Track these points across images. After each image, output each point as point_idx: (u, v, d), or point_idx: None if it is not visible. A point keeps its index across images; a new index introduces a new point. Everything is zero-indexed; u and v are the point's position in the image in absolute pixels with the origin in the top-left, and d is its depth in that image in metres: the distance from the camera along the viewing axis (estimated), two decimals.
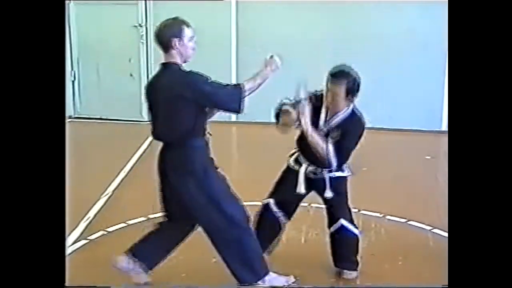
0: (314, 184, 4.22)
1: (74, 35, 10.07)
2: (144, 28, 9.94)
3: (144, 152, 8.03)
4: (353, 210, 5.52)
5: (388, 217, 5.55)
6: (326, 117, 4.11)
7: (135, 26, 9.96)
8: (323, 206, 5.71)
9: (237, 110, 3.71)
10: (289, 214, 4.38)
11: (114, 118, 10.22)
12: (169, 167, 3.80)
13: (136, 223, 5.31)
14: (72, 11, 10.00)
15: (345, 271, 4.33)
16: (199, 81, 3.65)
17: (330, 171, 4.13)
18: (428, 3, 9.09)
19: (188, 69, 3.73)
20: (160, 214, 5.33)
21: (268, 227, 4.35)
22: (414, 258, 4.70)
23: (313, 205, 5.78)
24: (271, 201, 4.32)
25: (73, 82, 10.26)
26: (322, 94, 4.12)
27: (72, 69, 10.18)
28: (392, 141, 9.09)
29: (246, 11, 9.79)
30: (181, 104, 3.62)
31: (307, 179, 4.20)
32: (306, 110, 3.94)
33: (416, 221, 5.44)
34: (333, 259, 4.40)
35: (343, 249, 4.35)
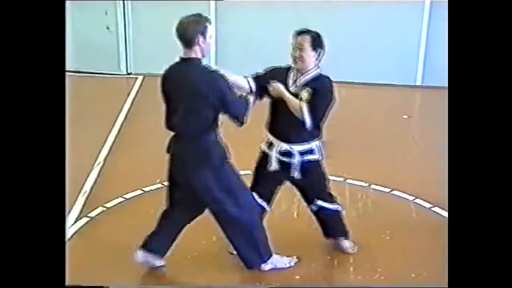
0: (286, 168, 4.28)
1: None
2: None
3: (129, 111, 8.03)
4: (339, 179, 5.82)
5: (373, 186, 5.72)
6: (294, 77, 4.18)
7: None
8: None
9: (243, 122, 3.88)
10: (270, 201, 4.49)
11: (92, 71, 10.12)
12: (185, 159, 3.91)
13: (133, 196, 5.42)
14: None
15: (339, 240, 4.53)
16: (224, 89, 3.74)
17: (301, 154, 4.23)
18: None
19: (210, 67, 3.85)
20: (154, 187, 5.54)
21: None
22: (400, 231, 4.86)
23: None
24: (255, 194, 4.36)
25: None
26: (288, 66, 4.24)
27: None
28: (367, 97, 9.22)
29: (225, 13, 9.75)
30: (204, 103, 3.71)
31: (280, 163, 4.27)
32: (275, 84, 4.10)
33: (399, 191, 5.60)
34: (323, 232, 4.58)
35: (330, 223, 4.53)
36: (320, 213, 4.47)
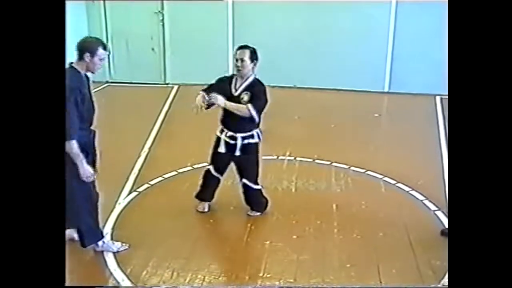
0: (231, 148, 4.29)
1: (108, 21, 9.88)
2: (161, 14, 9.75)
3: (167, 112, 7.95)
4: (327, 163, 5.79)
5: (352, 168, 5.64)
6: (235, 85, 4.21)
7: (155, 13, 9.75)
8: (307, 159, 5.94)
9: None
10: (223, 173, 4.50)
11: (140, 82, 10.13)
12: None
13: (170, 176, 5.38)
14: (107, 3, 9.81)
15: (252, 212, 4.53)
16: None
17: (243, 138, 4.24)
18: None
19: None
20: (186, 169, 5.52)
21: (211, 184, 4.52)
22: (372, 202, 4.84)
23: (298, 159, 5.97)
24: (211, 168, 4.45)
25: (108, 55, 10.10)
26: (231, 75, 4.29)
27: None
28: (347, 100, 9.03)
29: (241, 11, 9.55)
30: None
31: (227, 144, 4.28)
32: (218, 97, 4.06)
33: (371, 171, 5.54)
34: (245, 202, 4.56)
35: (249, 198, 4.53)
36: (244, 189, 4.48)
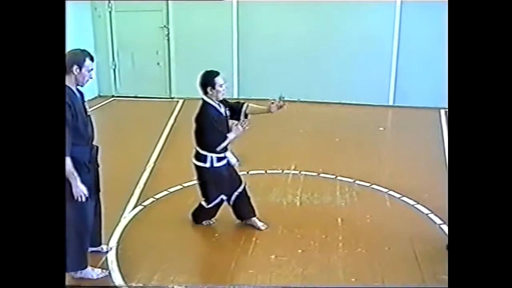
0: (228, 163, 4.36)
1: (114, 36, 10.01)
2: (167, 29, 9.88)
3: (172, 126, 8.02)
4: (331, 176, 5.80)
5: (357, 182, 5.63)
6: (221, 108, 4.27)
7: (161, 27, 9.87)
8: (312, 173, 5.95)
9: None
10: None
11: (145, 96, 10.22)
12: None
13: (175, 190, 5.41)
14: (113, 17, 9.95)
15: (255, 220, 4.52)
16: None
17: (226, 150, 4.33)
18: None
19: None
20: (191, 183, 5.48)
21: (216, 208, 4.52)
22: (377, 216, 4.83)
23: (302, 172, 5.98)
24: (224, 197, 4.43)
25: (114, 69, 10.23)
26: (208, 103, 4.25)
27: (113, 60, 10.14)
28: (352, 114, 9.08)
29: (246, 12, 9.64)
30: None
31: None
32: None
33: (376, 185, 5.53)
34: (241, 216, 4.54)
35: (247, 203, 4.51)
36: (242, 197, 4.46)
